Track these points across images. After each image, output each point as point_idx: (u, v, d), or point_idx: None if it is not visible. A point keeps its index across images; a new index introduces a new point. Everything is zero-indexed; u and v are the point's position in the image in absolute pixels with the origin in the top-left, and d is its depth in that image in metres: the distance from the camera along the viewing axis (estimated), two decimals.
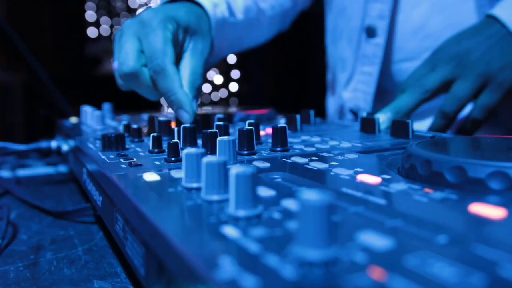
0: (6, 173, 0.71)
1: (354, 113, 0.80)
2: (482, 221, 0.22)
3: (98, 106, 0.82)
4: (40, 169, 0.77)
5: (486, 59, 0.57)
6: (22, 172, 0.73)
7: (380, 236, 0.20)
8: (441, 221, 0.22)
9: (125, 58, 0.52)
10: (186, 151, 0.28)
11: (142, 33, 0.53)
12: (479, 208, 0.23)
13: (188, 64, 0.55)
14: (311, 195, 0.17)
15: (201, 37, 0.58)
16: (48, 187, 0.65)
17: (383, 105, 0.76)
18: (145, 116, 0.84)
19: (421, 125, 0.70)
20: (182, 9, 0.57)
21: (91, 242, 0.43)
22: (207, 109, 0.83)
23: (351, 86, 0.80)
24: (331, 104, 0.92)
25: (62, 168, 0.76)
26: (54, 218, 0.50)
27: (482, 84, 0.58)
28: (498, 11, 0.59)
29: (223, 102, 3.69)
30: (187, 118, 0.52)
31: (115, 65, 0.54)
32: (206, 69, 0.62)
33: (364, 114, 0.59)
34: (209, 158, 0.25)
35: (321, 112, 0.97)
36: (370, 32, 0.73)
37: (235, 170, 0.22)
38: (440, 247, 0.19)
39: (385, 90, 0.77)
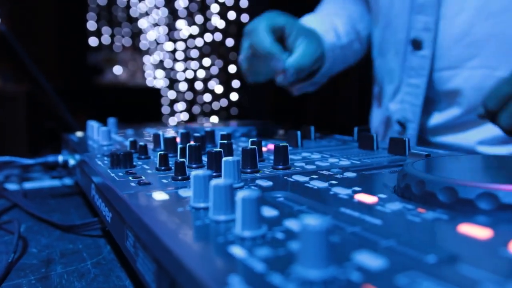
0: (13, 186, 0.73)
1: (402, 124, 0.80)
2: (469, 241, 0.24)
3: (99, 116, 0.84)
4: (46, 182, 0.78)
5: None
6: (28, 185, 0.75)
7: (374, 256, 0.21)
8: (431, 241, 0.24)
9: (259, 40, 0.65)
10: (194, 174, 0.30)
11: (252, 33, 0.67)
12: (467, 229, 0.25)
13: (300, 49, 0.65)
14: (311, 220, 0.19)
15: (315, 40, 0.68)
16: (54, 200, 0.67)
17: (426, 115, 0.78)
18: (148, 130, 0.86)
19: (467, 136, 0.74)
20: (290, 18, 0.69)
21: (99, 255, 0.44)
22: (210, 123, 0.85)
23: (398, 98, 0.81)
24: (377, 116, 0.93)
25: (67, 181, 0.78)
26: (63, 231, 0.52)
27: None
28: None
29: (224, 111, 3.72)
30: (279, 65, 0.63)
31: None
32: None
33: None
34: (216, 181, 0.27)
35: (320, 123, 0.98)
36: (416, 45, 0.74)
37: (241, 194, 0.24)
38: (429, 266, 0.20)
39: (426, 99, 0.77)
